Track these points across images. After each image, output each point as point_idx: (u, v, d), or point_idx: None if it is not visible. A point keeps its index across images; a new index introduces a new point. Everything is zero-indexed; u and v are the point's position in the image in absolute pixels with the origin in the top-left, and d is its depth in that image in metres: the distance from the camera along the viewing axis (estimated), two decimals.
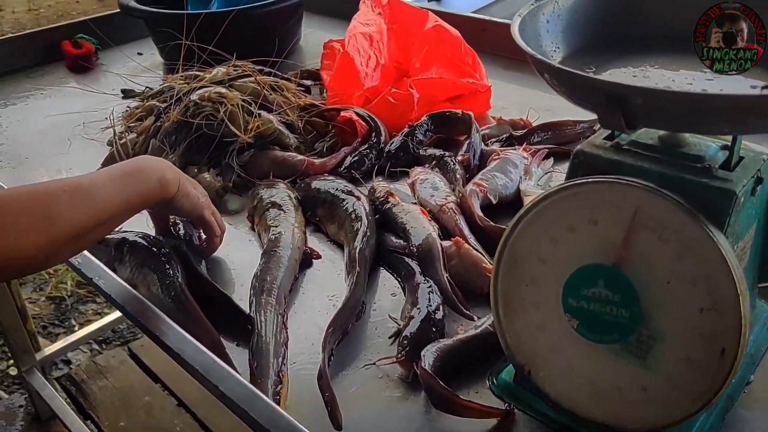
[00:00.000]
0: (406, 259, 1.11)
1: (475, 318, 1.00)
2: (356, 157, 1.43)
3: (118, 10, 2.07)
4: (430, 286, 1.02)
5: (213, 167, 1.42)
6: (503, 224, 1.20)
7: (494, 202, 1.24)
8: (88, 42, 2.15)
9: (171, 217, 1.20)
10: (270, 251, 1.11)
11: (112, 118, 1.57)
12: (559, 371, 0.82)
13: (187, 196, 1.06)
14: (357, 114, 1.51)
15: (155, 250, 1.10)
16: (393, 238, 1.17)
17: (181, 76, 1.65)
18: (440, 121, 1.50)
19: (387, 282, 1.12)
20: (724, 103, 0.63)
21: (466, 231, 1.15)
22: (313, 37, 2.24)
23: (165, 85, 1.67)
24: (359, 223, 1.15)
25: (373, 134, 1.48)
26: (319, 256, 1.19)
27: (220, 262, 1.19)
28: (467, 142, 1.45)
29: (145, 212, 1.16)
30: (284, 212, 1.22)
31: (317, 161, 1.42)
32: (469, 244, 1.10)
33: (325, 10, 2.44)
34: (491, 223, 1.17)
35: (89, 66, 2.12)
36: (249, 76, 1.55)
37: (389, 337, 1.00)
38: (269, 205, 1.24)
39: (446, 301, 1.01)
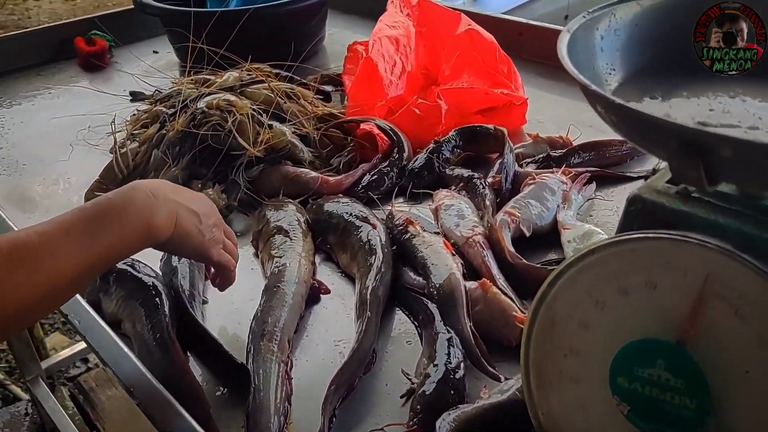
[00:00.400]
0: (425, 301, 0.97)
1: (502, 378, 0.86)
2: (375, 176, 1.29)
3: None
4: (450, 338, 0.88)
5: (218, 182, 1.29)
6: (536, 260, 1.06)
7: (527, 234, 1.10)
8: (102, 39, 2.05)
9: None
10: (272, 287, 0.98)
11: (113, 124, 1.46)
12: None
13: (187, 238, 0.84)
14: (378, 127, 1.37)
15: (145, 281, 0.98)
16: (411, 274, 1.04)
17: (191, 79, 1.53)
18: (470, 136, 1.36)
19: (402, 326, 0.99)
20: None
21: (495, 270, 1.00)
22: (339, 37, 2.11)
23: (173, 89, 1.56)
24: (373, 256, 1.02)
25: (395, 150, 1.35)
26: (327, 291, 1.06)
27: (218, 294, 1.06)
28: (499, 162, 1.31)
29: None
30: (291, 240, 1.09)
31: (332, 179, 1.28)
32: (497, 286, 0.96)
33: (352, 8, 2.31)
34: (523, 260, 1.03)
35: (102, 64, 2.01)
36: (262, 82, 1.43)
37: (401, 396, 0.87)
38: (275, 230, 1.11)
39: (468, 356, 0.88)
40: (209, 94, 1.38)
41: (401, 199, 1.28)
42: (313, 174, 1.28)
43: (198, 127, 1.31)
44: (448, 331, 0.90)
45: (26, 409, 2.43)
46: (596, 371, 0.67)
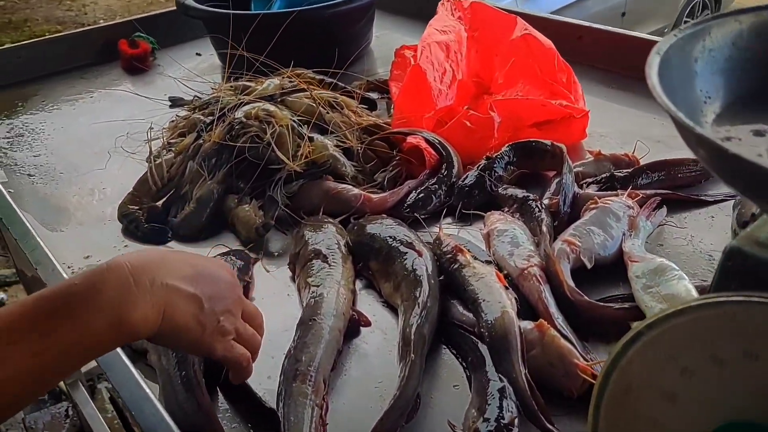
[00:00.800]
0: (475, 341, 0.88)
1: None
2: (422, 194, 1.20)
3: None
4: (503, 388, 0.79)
5: (255, 198, 1.22)
6: (597, 296, 0.95)
7: (589, 266, 0.99)
8: (145, 41, 2.01)
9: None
10: (308, 320, 0.90)
11: (150, 132, 1.40)
12: None
13: (181, 332, 0.69)
14: (426, 140, 1.28)
15: None
16: (461, 308, 0.94)
17: (230, 86, 1.47)
18: (524, 152, 1.26)
19: (449, 366, 0.90)
20: None
21: (553, 308, 0.90)
22: (386, 40, 2.03)
23: (212, 96, 1.49)
24: (419, 288, 0.93)
25: (444, 166, 1.25)
26: (368, 323, 0.97)
27: None
28: (556, 181, 1.20)
29: None
30: (329, 266, 1.01)
31: (375, 197, 1.20)
32: (556, 327, 0.86)
33: (400, 9, 2.21)
34: (584, 297, 0.93)
35: (144, 67, 1.97)
36: (304, 90, 1.35)
37: None
38: (313, 254, 1.03)
39: (523, 409, 0.78)
40: (248, 102, 1.31)
41: (449, 220, 1.19)
42: (355, 191, 1.20)
43: (235, 138, 1.25)
44: (501, 380, 0.80)
45: (67, 410, 2.43)
46: None
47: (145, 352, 0.92)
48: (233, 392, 0.85)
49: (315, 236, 1.08)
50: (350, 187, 1.21)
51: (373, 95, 1.58)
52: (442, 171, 1.24)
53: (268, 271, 1.10)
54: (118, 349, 0.87)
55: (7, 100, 1.82)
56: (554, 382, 0.82)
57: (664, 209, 1.12)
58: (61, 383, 2.48)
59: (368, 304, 1.02)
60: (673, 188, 1.17)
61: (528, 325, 0.87)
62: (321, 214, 1.18)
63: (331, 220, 1.15)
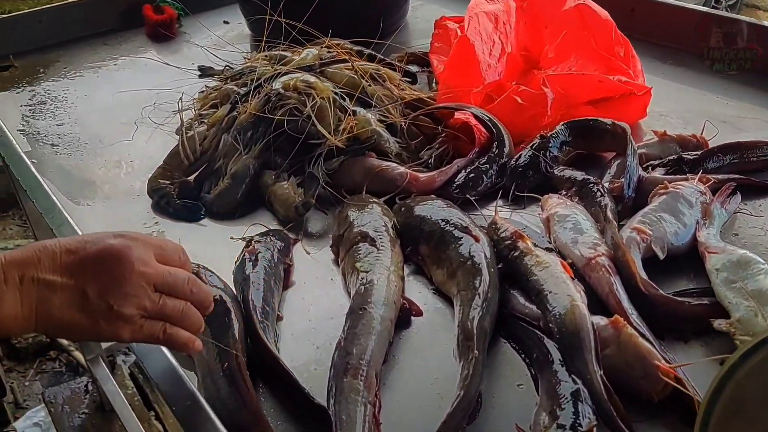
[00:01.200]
0: (540, 335, 0.81)
1: None
2: (472, 174, 1.12)
3: None
4: (577, 391, 0.72)
5: (294, 174, 1.15)
6: (668, 289, 0.88)
7: (661, 256, 0.91)
8: (170, 7, 1.92)
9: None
10: (358, 309, 0.83)
11: (180, 102, 1.33)
12: None
13: (65, 327, 0.65)
14: (475, 116, 1.20)
15: (213, 293, 0.84)
16: (521, 299, 0.87)
17: (265, 56, 1.39)
18: (581, 131, 1.17)
19: (511, 362, 0.83)
20: None
21: (626, 303, 0.83)
22: (423, 12, 1.93)
23: (245, 65, 1.41)
24: (478, 278, 0.86)
25: (495, 144, 1.17)
26: (420, 313, 0.90)
27: (294, 309, 0.92)
28: (615, 162, 1.12)
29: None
30: (378, 250, 0.93)
31: (422, 176, 1.12)
32: (632, 325, 0.78)
33: None
34: (660, 291, 0.85)
35: (170, 34, 1.89)
36: (345, 61, 1.27)
37: None
38: (359, 237, 0.96)
39: (599, 414, 0.71)
40: (285, 73, 1.23)
41: (500, 202, 1.11)
42: (401, 169, 1.12)
43: (273, 110, 1.17)
44: (574, 381, 0.73)
45: (86, 385, 2.39)
46: None
47: None
48: (279, 385, 0.79)
49: (360, 217, 1.00)
50: (395, 164, 1.13)
51: (413, 68, 1.49)
52: (493, 150, 1.16)
53: (308, 253, 1.03)
54: None
55: (29, 67, 1.74)
56: (631, 384, 0.75)
57: (738, 196, 1.03)
58: (80, 357, 2.45)
59: (418, 292, 0.95)
60: (745, 173, 1.09)
61: (600, 321, 0.79)
62: (364, 193, 1.10)
63: (375, 199, 1.07)
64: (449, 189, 1.12)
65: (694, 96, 1.35)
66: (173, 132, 1.38)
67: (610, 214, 0.97)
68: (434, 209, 1.00)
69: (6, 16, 1.98)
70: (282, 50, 1.38)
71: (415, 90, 1.32)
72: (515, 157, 1.15)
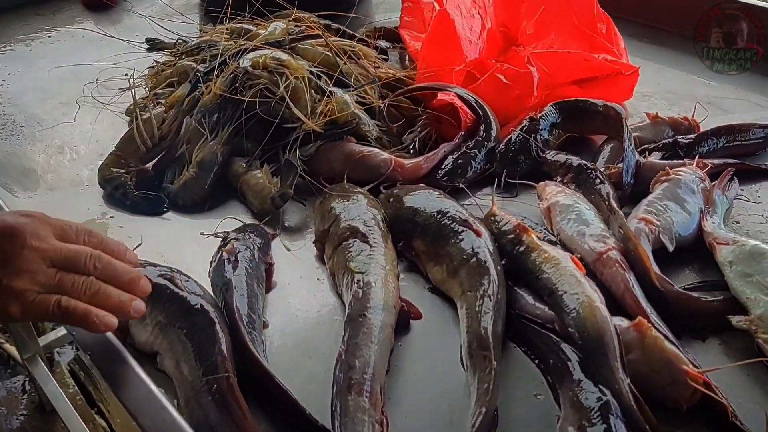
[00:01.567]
0: (556, 339, 0.75)
1: None
2: (460, 160, 1.05)
3: None
4: (606, 403, 0.66)
5: (267, 162, 1.05)
6: (676, 282, 0.83)
7: (671, 248, 0.87)
8: None
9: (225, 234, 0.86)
10: (357, 317, 0.75)
11: (132, 79, 1.20)
12: None
13: None
14: (460, 97, 1.12)
15: (192, 303, 0.75)
16: (530, 299, 0.81)
17: (227, 29, 1.27)
18: (572, 113, 1.11)
19: (523, 370, 0.76)
20: None
21: (644, 302, 0.77)
22: None
23: (203, 39, 1.29)
24: (486, 277, 0.79)
25: (482, 127, 1.10)
26: (419, 315, 0.83)
27: (279, 316, 0.83)
28: (608, 146, 1.07)
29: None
30: (371, 246, 0.85)
31: (408, 162, 1.04)
32: (654, 326, 0.73)
33: None
34: (676, 287, 0.80)
35: (110, 3, 1.73)
36: (317, 36, 1.16)
37: None
38: (348, 233, 0.87)
39: (630, 427, 0.65)
40: (253, 49, 1.12)
41: (490, 190, 1.04)
42: (384, 155, 1.03)
43: (240, 91, 1.06)
44: (602, 392, 0.67)
45: (23, 384, 2.22)
46: None
47: (154, 354, 0.75)
48: (274, 405, 0.70)
49: (347, 209, 0.92)
50: (377, 150, 1.05)
51: (382, 44, 1.40)
52: (480, 133, 1.09)
53: (289, 250, 0.94)
54: (119, 346, 0.71)
55: None
56: (657, 391, 0.70)
57: (736, 182, 1.00)
58: (13, 350, 2.27)
59: (413, 291, 0.87)
60: (738, 156, 1.05)
61: (621, 323, 0.74)
62: (345, 181, 1.01)
63: (359, 189, 0.99)
64: (436, 176, 1.04)
65: (676, 76, 1.31)
66: (123, 113, 1.25)
67: (614, 204, 0.91)
68: (428, 200, 0.92)
69: None
70: (245, 23, 1.26)
71: (393, 68, 1.22)
72: (504, 141, 1.08)
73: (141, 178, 1.05)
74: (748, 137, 1.07)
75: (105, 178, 1.04)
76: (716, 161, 1.01)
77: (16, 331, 1.92)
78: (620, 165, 1.00)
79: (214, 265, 0.84)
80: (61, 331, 2.12)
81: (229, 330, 0.73)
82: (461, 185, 1.02)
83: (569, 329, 0.73)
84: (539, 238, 0.85)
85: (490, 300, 0.76)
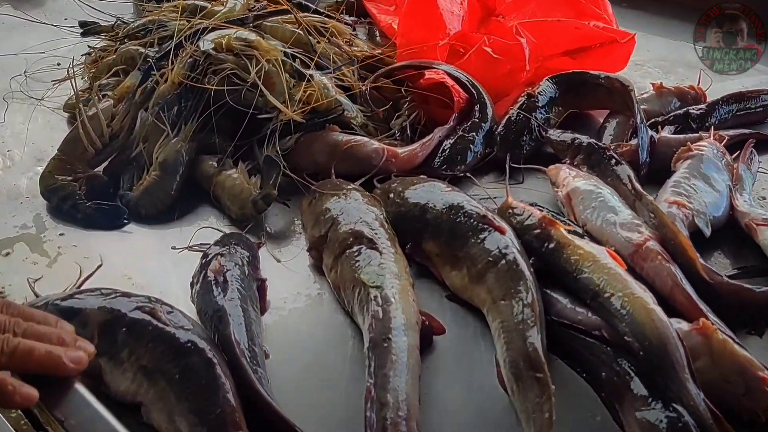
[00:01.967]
0: (606, 349, 0.66)
1: None
2: (458, 145, 0.94)
3: None
4: (684, 425, 0.57)
5: (242, 159, 0.91)
6: (717, 268, 0.75)
7: (707, 233, 0.79)
8: None
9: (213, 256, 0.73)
10: (382, 342, 0.64)
11: (72, 69, 1.03)
12: None
13: None
14: (450, 75, 1.01)
15: (182, 340, 0.61)
16: (566, 302, 0.71)
17: (173, 6, 1.11)
18: (572, 87, 1.03)
19: (568, 384, 0.67)
20: None
21: (697, 298, 0.69)
22: None
23: (147, 19, 1.13)
24: (521, 283, 0.69)
25: (477, 107, 0.99)
26: (441, 330, 0.72)
27: (279, 343, 0.71)
28: (614, 121, 0.99)
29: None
30: (381, 253, 0.74)
31: (401, 151, 0.93)
32: (718, 329, 0.65)
33: None
34: (726, 279, 0.72)
35: None
36: (284, 12, 1.02)
37: None
38: (352, 238, 0.75)
39: None
40: (213, 29, 0.97)
41: (489, 177, 0.94)
42: (375, 144, 0.92)
43: (203, 78, 0.92)
44: (676, 410, 0.59)
45: None
46: None
47: (137, 405, 0.62)
48: None
49: (344, 210, 0.80)
50: (366, 139, 0.93)
51: (347, 18, 1.27)
52: (475, 114, 0.99)
53: (279, 261, 0.81)
54: (91, 399, 0.58)
55: None
56: (731, 402, 0.62)
57: (756, 154, 0.93)
58: None
59: (429, 301, 0.76)
60: (747, 125, 0.99)
61: (679, 324, 0.65)
62: (333, 176, 0.89)
63: (351, 184, 0.87)
64: (432, 165, 0.93)
65: (664, 43, 1.25)
66: (60, 109, 1.08)
67: (638, 186, 0.83)
68: (435, 193, 0.81)
69: None
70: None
71: (368, 46, 1.10)
72: (504, 122, 0.98)
73: (92, 185, 0.90)
74: (757, 104, 1.00)
75: (49, 188, 0.88)
76: (731, 132, 0.94)
77: None
78: (632, 142, 0.92)
79: (198, 287, 0.71)
80: None
81: (230, 369, 0.61)
82: (464, 174, 0.92)
83: (625, 338, 0.64)
84: (569, 231, 0.75)
85: (531, 310, 0.66)
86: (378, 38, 1.23)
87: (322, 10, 1.21)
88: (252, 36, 0.93)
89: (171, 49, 0.96)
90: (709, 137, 0.91)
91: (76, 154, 0.91)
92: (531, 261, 0.74)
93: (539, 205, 0.84)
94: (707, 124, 0.95)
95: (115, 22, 1.21)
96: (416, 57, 1.06)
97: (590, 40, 1.11)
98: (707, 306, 0.69)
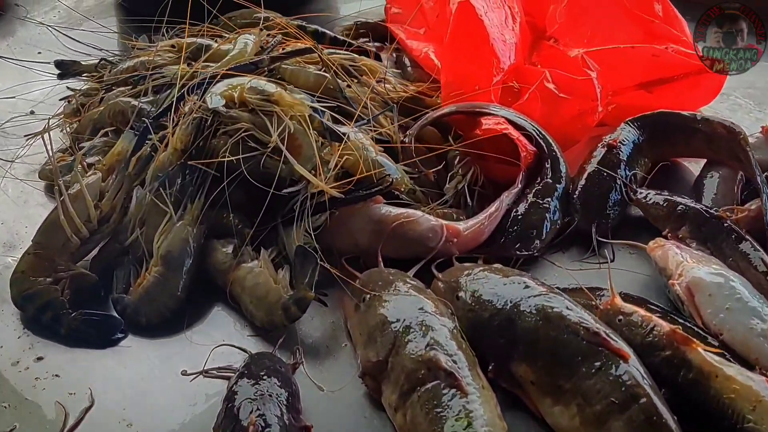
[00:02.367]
0: None
1: None
2: (534, 215, 0.76)
3: None
4: None
5: (263, 245, 0.72)
6: None
7: None
8: None
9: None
10: None
11: (49, 137, 0.83)
12: None
13: None
14: (512, 123, 0.82)
15: None
16: None
17: (171, 44, 0.92)
18: (659, 132, 0.85)
19: None
20: None
21: None
22: None
23: (138, 60, 0.94)
24: None
25: (547, 164, 0.81)
26: None
27: None
28: (714, 176, 0.81)
29: None
30: (466, 393, 0.55)
31: (462, 226, 0.74)
32: None
33: None
34: None
35: None
36: (307, 51, 0.83)
37: None
38: (423, 370, 0.57)
39: None
40: (222, 77, 0.78)
41: (562, 255, 0.76)
42: (432, 221, 0.73)
43: (211, 142, 0.73)
44: None
45: None
46: None
47: None
48: None
49: (408, 323, 0.61)
50: (417, 213, 0.74)
51: (368, 44, 1.09)
52: (546, 173, 0.80)
53: (323, 390, 0.63)
54: None
55: None
56: None
57: None
58: None
59: None
60: None
61: None
62: (380, 264, 0.71)
63: (409, 278, 0.68)
64: (501, 241, 0.75)
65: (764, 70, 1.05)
66: (35, 173, 0.89)
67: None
68: (521, 291, 0.63)
69: None
70: (198, 33, 0.92)
71: (403, 83, 0.91)
72: (582, 183, 0.80)
73: (78, 286, 0.71)
74: None
75: (24, 294, 0.70)
76: None
77: None
78: (750, 206, 0.74)
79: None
80: None
81: None
82: (537, 255, 0.74)
83: None
84: (716, 353, 0.57)
85: None
86: (409, 68, 1.04)
87: (339, 36, 1.02)
88: (271, 87, 0.74)
89: (172, 103, 0.76)
90: None
91: (57, 247, 0.71)
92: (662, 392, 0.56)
93: (649, 303, 0.66)
94: None
95: (99, 62, 1.01)
96: (463, 98, 0.87)
97: (671, 70, 0.92)
98: None
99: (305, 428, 0.57)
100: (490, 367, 0.61)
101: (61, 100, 1.02)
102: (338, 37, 1.04)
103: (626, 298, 0.65)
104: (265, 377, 0.58)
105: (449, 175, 0.82)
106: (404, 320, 0.62)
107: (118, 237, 0.74)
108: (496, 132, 0.81)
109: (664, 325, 0.59)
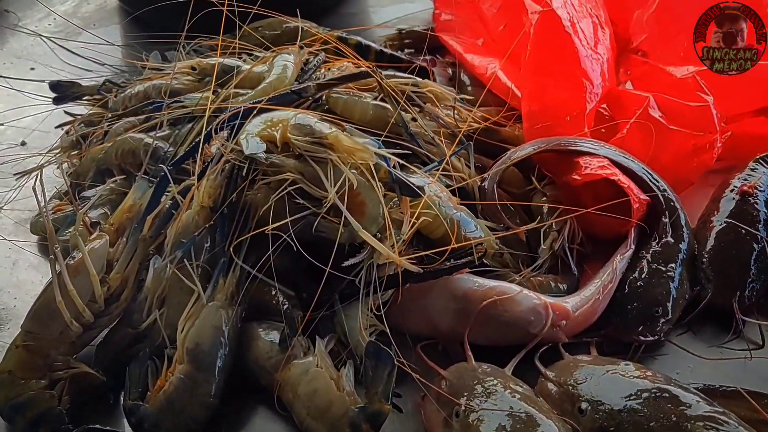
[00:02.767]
0: None
1: None
2: (655, 285, 0.60)
3: None
4: None
5: (317, 332, 0.56)
6: None
7: None
8: None
9: None
10: None
11: (45, 202, 0.67)
12: None
13: None
14: (618, 166, 0.66)
15: None
16: None
17: (191, 65, 0.75)
18: None
19: None
20: None
21: None
22: None
23: (150, 83, 0.77)
24: None
25: (665, 218, 0.65)
26: None
27: None
28: None
29: None
30: None
31: (570, 305, 0.58)
32: None
33: None
34: None
35: None
36: (365, 76, 0.67)
37: None
38: None
39: None
40: (256, 112, 0.61)
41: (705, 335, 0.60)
42: (534, 298, 0.57)
43: (246, 194, 0.57)
44: None
45: None
46: None
47: None
48: None
49: None
50: (514, 287, 0.58)
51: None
52: (665, 230, 0.64)
53: None
54: None
55: None
56: None
57: None
58: None
59: None
60: None
61: None
62: (471, 359, 0.55)
63: (512, 380, 0.52)
64: (619, 322, 0.59)
65: None
66: (26, 225, 0.73)
67: None
68: (678, 412, 0.47)
69: None
70: (220, 51, 0.75)
71: (475, 112, 0.75)
72: (711, 241, 0.64)
73: (79, 389, 0.55)
74: None
75: (12, 403, 0.54)
76: None
77: None
78: None
79: None
80: None
81: None
82: (663, 338, 0.58)
83: None
84: None
85: None
86: (469, 88, 0.87)
87: (385, 50, 0.86)
88: (324, 126, 0.57)
89: (198, 145, 0.60)
90: None
91: (53, 336, 0.55)
92: None
93: None
94: None
95: (102, 84, 0.84)
96: (550, 131, 0.71)
97: None
98: None
99: None
100: None
101: (57, 127, 0.86)
102: (384, 50, 0.87)
103: None
104: None
105: (542, 231, 0.65)
106: None
107: (131, 319, 0.58)
108: (600, 177, 0.65)
109: None
